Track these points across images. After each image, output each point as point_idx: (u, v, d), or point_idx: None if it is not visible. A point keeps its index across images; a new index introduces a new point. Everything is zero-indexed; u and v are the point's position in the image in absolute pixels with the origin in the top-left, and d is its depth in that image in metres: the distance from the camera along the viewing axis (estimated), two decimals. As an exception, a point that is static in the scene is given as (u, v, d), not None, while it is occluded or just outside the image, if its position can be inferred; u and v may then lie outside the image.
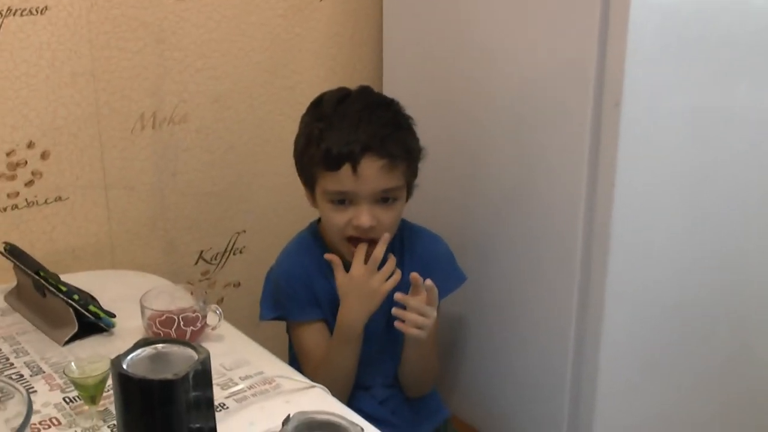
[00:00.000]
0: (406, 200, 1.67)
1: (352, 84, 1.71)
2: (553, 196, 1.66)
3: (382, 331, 1.70)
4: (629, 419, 1.73)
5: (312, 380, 1.46)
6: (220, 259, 2.11)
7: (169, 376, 1.05)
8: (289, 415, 1.22)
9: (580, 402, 1.70)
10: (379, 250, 1.60)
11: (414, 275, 1.58)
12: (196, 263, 2.07)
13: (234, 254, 2.12)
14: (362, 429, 1.22)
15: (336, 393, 1.57)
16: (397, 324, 1.59)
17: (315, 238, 1.72)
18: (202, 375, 1.09)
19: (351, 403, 1.66)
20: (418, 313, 1.58)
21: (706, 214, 1.68)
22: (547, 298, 1.72)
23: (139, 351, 1.11)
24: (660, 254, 1.65)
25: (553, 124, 1.62)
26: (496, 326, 1.87)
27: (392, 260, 1.63)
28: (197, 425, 1.09)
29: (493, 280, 1.84)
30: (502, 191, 1.78)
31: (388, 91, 1.99)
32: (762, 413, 1.94)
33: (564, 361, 1.69)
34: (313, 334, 1.69)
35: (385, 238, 1.60)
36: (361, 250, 1.61)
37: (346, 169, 1.56)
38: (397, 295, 1.58)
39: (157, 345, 1.13)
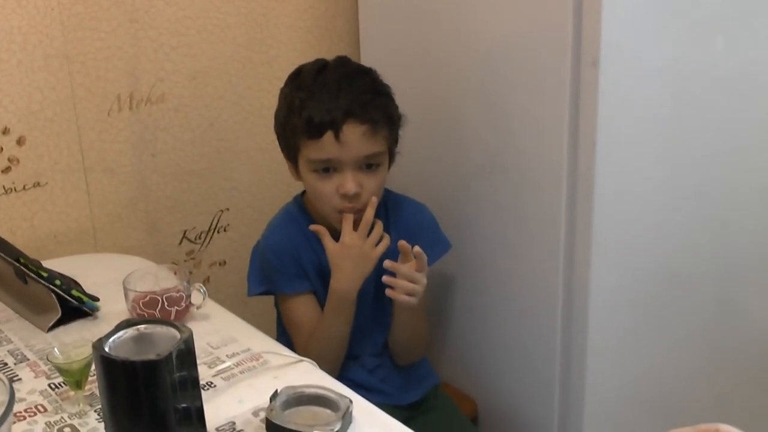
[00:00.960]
0: (389, 167, 1.67)
1: (329, 56, 1.69)
2: (535, 156, 1.65)
3: (370, 300, 1.70)
4: (619, 377, 1.73)
5: (304, 352, 1.45)
6: (205, 238, 2.09)
7: (152, 356, 1.04)
8: (277, 390, 1.22)
9: (571, 362, 1.69)
10: (369, 214, 1.60)
11: (402, 243, 1.58)
12: (180, 243, 2.06)
13: (218, 233, 2.11)
14: (351, 401, 1.22)
15: (329, 363, 1.58)
16: (388, 291, 1.59)
17: (300, 210, 1.72)
18: (186, 354, 1.08)
19: (340, 372, 1.68)
20: (409, 280, 1.59)
21: (687, 168, 1.67)
22: (532, 259, 1.72)
23: (121, 333, 1.10)
24: (644, 208, 1.64)
25: (532, 85, 1.61)
26: (483, 290, 1.86)
27: (379, 225, 1.63)
28: (184, 405, 1.08)
29: (478, 244, 1.84)
30: (483, 155, 1.77)
31: (366, 62, 1.97)
32: (750, 363, 1.94)
33: (553, 322, 1.69)
34: (303, 306, 1.69)
35: (372, 202, 1.60)
36: (349, 218, 1.61)
37: (329, 136, 1.56)
38: (387, 263, 1.58)
39: (139, 326, 1.11)
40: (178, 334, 1.09)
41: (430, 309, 1.80)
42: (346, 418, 1.19)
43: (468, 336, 1.95)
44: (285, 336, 1.73)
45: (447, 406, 1.83)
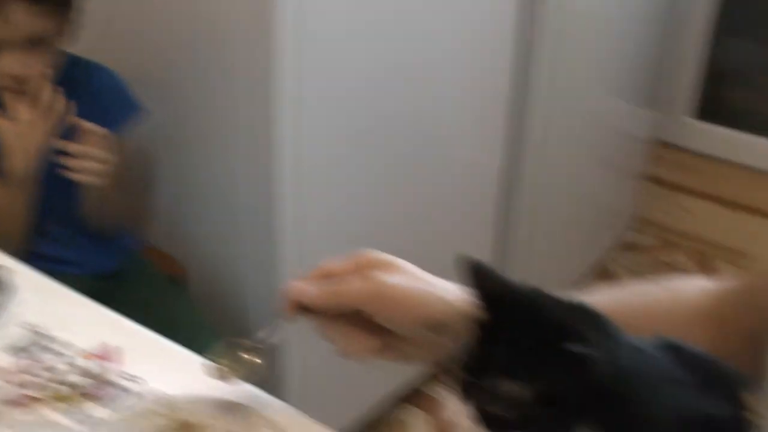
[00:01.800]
0: (70, 39, 1.57)
1: None
2: (229, 25, 1.62)
3: (52, 173, 1.61)
4: (319, 219, 1.77)
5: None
6: None
7: None
8: None
9: (270, 214, 1.71)
10: (39, 85, 1.51)
11: (76, 119, 1.51)
12: None
13: None
14: (7, 269, 1.17)
15: (13, 243, 1.51)
16: (65, 173, 1.52)
17: None
18: None
19: (32, 248, 1.61)
20: (89, 159, 1.52)
21: (386, 23, 1.71)
22: (238, 116, 1.70)
23: None
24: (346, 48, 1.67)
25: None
26: (187, 150, 1.85)
27: (50, 91, 1.53)
28: None
29: (178, 106, 1.80)
30: (176, 22, 1.72)
31: None
32: (447, 212, 2.07)
33: (255, 174, 1.70)
34: None
35: (42, 73, 1.51)
36: (16, 96, 1.51)
37: None
38: (61, 143, 1.51)
39: None
40: None
41: (133, 175, 1.76)
42: (2, 287, 1.15)
43: (172, 198, 1.92)
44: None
45: (148, 271, 1.81)
